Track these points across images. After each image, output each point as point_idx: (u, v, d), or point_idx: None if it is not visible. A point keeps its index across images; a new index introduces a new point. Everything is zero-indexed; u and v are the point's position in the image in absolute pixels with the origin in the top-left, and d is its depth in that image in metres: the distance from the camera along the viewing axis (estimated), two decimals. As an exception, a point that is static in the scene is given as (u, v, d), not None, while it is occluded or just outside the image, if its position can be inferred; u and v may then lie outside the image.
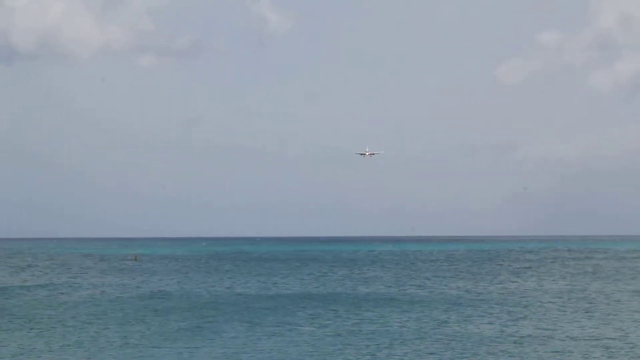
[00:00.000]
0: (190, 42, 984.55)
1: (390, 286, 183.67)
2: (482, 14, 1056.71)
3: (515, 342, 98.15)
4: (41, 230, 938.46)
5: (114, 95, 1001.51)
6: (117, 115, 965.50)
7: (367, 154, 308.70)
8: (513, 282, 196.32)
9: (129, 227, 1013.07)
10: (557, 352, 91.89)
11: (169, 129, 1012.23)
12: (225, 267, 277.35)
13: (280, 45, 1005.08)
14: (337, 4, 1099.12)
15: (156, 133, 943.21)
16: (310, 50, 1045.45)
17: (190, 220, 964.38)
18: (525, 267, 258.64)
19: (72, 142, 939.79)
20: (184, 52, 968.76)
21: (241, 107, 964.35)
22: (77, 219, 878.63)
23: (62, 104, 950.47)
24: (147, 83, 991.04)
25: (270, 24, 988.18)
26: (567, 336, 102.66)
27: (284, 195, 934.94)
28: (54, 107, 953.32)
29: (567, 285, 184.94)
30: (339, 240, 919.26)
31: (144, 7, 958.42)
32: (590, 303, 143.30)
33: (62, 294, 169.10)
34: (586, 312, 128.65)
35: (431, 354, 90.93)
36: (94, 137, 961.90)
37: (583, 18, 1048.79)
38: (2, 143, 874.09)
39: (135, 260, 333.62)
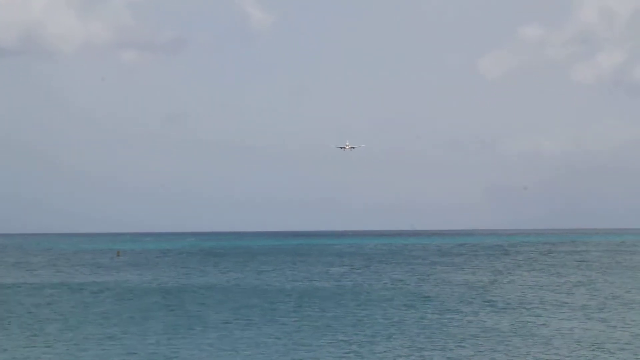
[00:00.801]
0: (172, 38, 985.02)
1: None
2: (463, 8, 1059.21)
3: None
4: (24, 225, 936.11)
5: (97, 91, 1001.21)
6: (100, 111, 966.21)
7: (347, 147, 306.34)
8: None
9: (115, 222, 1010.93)
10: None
11: (152, 124, 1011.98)
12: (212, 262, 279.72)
13: (263, 40, 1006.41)
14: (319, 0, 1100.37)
15: (140, 128, 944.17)
16: (293, 45, 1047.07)
17: (175, 215, 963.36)
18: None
19: (56, 137, 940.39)
20: (167, 48, 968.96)
21: (225, 103, 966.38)
22: (59, 213, 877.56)
23: (45, 99, 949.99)
24: (130, 78, 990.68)
25: (253, 19, 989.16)
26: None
27: (270, 190, 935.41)
28: (36, 103, 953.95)
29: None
30: (324, 235, 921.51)
31: (126, 3, 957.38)
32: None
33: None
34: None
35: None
36: (77, 132, 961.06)
37: (565, 12, 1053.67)
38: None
39: (118, 256, 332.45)
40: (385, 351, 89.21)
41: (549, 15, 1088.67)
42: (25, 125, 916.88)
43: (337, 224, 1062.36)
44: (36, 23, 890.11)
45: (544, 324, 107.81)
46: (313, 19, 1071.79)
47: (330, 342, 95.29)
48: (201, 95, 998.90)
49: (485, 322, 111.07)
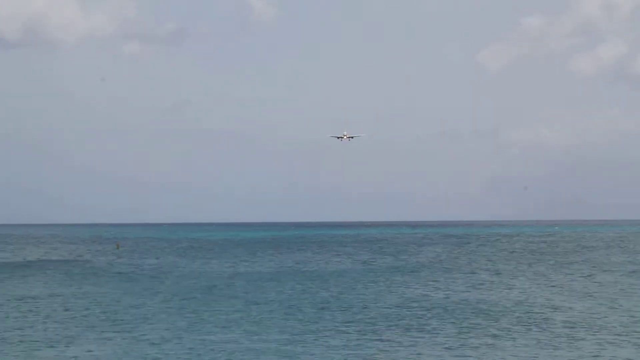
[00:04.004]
0: (174, 29, 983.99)
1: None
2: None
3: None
4: (28, 215, 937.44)
5: (99, 82, 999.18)
6: (103, 102, 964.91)
7: (345, 137, 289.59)
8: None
9: (110, 212, 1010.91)
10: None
11: (155, 115, 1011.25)
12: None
13: (265, 31, 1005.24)
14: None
15: (142, 119, 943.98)
16: (295, 35, 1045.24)
17: (173, 205, 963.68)
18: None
19: (59, 129, 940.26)
20: (169, 39, 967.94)
21: (226, 93, 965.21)
22: (60, 203, 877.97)
23: (47, 91, 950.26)
24: (132, 70, 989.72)
25: (255, 10, 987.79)
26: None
27: (272, 181, 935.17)
28: (39, 95, 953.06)
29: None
30: (323, 226, 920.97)
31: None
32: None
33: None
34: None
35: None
36: (80, 123, 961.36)
37: (566, 4, 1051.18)
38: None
39: (117, 248, 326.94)
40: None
41: (550, 6, 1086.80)
42: (28, 117, 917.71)
43: (336, 215, 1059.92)
44: (39, 15, 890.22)
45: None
46: (314, 10, 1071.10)
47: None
48: (203, 86, 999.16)
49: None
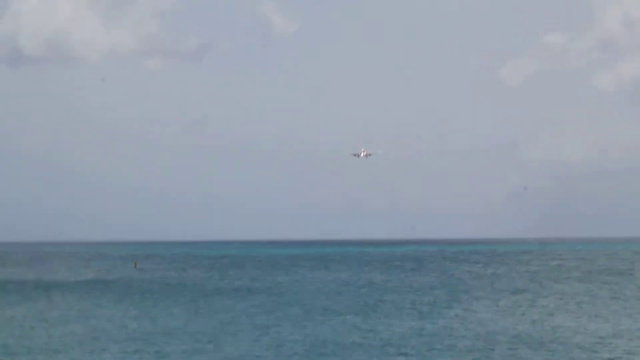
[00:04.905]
0: (196, 45, 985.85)
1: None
2: (484, 14, 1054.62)
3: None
4: (51, 234, 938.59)
5: (121, 98, 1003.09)
6: (124, 118, 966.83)
7: (362, 154, 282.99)
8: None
9: (128, 229, 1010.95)
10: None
11: (176, 131, 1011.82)
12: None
13: (285, 46, 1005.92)
14: (340, 5, 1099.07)
15: (163, 135, 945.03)
16: (315, 51, 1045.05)
17: (195, 221, 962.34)
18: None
19: (81, 145, 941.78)
20: (190, 55, 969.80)
21: (247, 108, 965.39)
22: (81, 221, 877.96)
23: (70, 107, 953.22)
24: (154, 85, 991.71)
25: (275, 26, 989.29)
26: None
27: (293, 197, 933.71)
28: (61, 110, 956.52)
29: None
30: (347, 244, 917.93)
31: (150, 10, 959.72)
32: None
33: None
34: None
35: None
36: (102, 139, 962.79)
37: (587, 20, 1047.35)
38: (10, 145, 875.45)
39: (135, 267, 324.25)
40: None
41: (572, 22, 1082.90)
42: (50, 133, 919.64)
43: (354, 231, 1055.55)
44: (61, 31, 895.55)
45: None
46: (334, 25, 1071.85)
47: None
48: (224, 101, 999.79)
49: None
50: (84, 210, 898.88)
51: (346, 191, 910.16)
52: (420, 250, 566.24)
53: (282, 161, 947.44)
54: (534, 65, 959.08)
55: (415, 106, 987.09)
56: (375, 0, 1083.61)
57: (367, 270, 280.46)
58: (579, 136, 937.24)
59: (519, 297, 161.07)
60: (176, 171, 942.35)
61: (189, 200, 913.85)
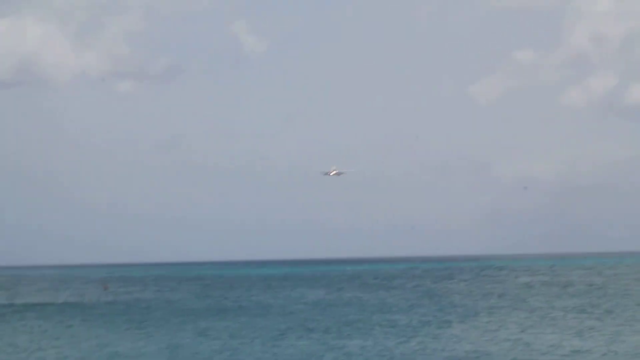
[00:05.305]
0: (167, 65, 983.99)
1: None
2: (454, 32, 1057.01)
3: None
4: (23, 256, 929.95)
5: (93, 120, 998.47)
6: (95, 139, 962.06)
7: (332, 173, 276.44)
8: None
9: (100, 251, 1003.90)
10: None
11: (147, 151, 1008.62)
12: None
13: (256, 65, 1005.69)
14: (312, 25, 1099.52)
15: (134, 156, 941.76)
16: (286, 70, 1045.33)
17: (167, 243, 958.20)
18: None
19: (51, 166, 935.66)
20: (162, 76, 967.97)
21: (218, 128, 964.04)
22: (52, 243, 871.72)
23: (40, 128, 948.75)
24: (125, 107, 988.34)
25: (246, 46, 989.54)
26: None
27: (264, 216, 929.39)
28: (31, 132, 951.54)
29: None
30: (316, 263, 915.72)
31: (120, 32, 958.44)
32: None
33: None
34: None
35: None
36: (72, 160, 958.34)
37: (557, 36, 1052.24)
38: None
39: (105, 289, 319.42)
40: None
41: (542, 39, 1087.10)
42: (22, 154, 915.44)
43: (325, 250, 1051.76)
44: (32, 54, 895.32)
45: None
46: (305, 43, 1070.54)
47: None
48: (196, 121, 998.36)
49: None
50: (54, 232, 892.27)
51: (317, 210, 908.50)
52: (392, 268, 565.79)
53: (253, 181, 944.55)
54: (504, 83, 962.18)
55: (385, 126, 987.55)
56: (347, 18, 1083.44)
57: (341, 288, 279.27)
58: (550, 153, 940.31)
59: (493, 313, 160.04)
60: (148, 192, 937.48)
61: (160, 221, 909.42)
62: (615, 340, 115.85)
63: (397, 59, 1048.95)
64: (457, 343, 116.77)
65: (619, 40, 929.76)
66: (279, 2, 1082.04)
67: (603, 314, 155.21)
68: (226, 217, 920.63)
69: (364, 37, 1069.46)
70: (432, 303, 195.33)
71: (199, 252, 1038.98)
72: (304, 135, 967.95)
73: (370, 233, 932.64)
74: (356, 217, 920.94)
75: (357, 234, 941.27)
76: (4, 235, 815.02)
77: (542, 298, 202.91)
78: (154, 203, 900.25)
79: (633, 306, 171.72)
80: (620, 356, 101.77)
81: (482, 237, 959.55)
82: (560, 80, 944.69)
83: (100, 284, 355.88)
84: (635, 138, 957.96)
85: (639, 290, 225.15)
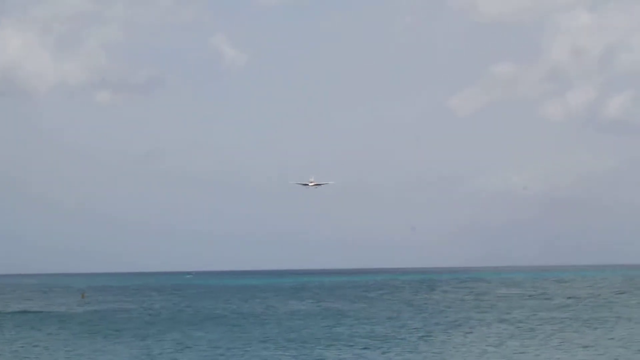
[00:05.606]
0: (147, 77, 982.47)
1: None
2: (433, 45, 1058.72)
3: None
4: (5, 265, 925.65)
5: (73, 130, 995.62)
6: (76, 149, 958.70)
7: (311, 184, 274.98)
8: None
9: (80, 261, 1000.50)
10: None
11: (128, 162, 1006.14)
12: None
13: (236, 79, 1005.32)
14: (292, 39, 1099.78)
15: (115, 167, 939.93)
16: (265, 82, 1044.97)
17: (147, 252, 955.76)
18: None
19: (31, 174, 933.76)
20: (142, 87, 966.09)
21: (198, 140, 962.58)
22: (32, 252, 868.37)
23: (19, 139, 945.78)
24: (105, 118, 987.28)
25: (226, 58, 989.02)
26: None
27: (245, 227, 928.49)
28: (10, 142, 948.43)
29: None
30: (296, 274, 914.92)
31: (100, 43, 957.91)
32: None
33: None
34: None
35: None
36: (51, 169, 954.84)
37: (536, 50, 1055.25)
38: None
39: (83, 298, 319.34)
40: None
41: (521, 52, 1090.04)
42: (1, 162, 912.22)
43: (305, 261, 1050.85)
44: (13, 64, 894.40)
45: None
46: (285, 57, 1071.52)
47: None
48: (175, 132, 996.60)
49: None
50: (33, 241, 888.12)
51: (296, 221, 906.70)
52: (371, 279, 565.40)
53: (232, 192, 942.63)
54: (482, 96, 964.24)
55: (365, 137, 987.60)
56: (326, 32, 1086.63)
57: (321, 299, 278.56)
58: (529, 166, 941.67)
59: (473, 325, 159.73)
60: (127, 202, 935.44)
61: (141, 230, 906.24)
62: (595, 353, 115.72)
63: (376, 72, 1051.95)
64: (438, 355, 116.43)
65: (598, 54, 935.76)
66: (259, 16, 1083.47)
67: (582, 326, 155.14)
68: (206, 228, 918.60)
69: (344, 51, 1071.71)
70: (412, 314, 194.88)
71: (179, 262, 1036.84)
72: (283, 147, 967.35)
73: (349, 245, 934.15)
74: (335, 229, 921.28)
75: (336, 246, 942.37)
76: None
77: (522, 310, 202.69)
78: (134, 213, 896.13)
79: (612, 318, 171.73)
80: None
81: (460, 250, 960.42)
82: (539, 93, 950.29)
83: (79, 293, 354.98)
84: (614, 151, 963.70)
85: (618, 303, 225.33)
